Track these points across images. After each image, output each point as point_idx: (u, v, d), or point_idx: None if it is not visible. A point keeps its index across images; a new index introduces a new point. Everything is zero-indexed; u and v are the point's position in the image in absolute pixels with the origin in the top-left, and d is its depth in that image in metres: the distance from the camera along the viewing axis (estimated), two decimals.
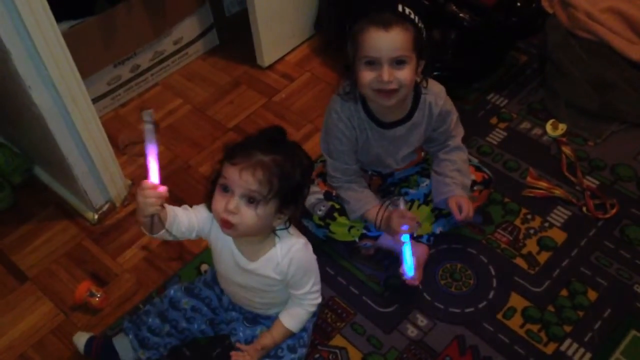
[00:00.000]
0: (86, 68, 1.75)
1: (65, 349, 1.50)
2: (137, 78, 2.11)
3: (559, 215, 1.67)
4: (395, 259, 1.50)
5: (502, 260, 1.58)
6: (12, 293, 1.62)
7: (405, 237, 1.38)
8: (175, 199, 1.74)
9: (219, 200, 1.14)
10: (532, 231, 1.63)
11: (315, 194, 1.55)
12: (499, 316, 1.48)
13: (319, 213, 1.54)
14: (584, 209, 1.67)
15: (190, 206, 1.26)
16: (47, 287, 1.63)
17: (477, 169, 1.61)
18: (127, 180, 1.81)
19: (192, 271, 1.60)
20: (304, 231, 1.54)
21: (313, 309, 1.34)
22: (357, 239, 1.54)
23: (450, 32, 1.91)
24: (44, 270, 1.66)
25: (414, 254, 1.45)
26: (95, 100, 1.94)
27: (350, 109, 1.44)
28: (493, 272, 1.56)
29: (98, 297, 1.54)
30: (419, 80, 1.41)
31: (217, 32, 2.28)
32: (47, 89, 1.46)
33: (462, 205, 1.46)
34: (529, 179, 1.75)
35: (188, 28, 2.16)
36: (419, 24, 1.31)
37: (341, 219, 1.53)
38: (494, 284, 1.54)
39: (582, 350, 1.40)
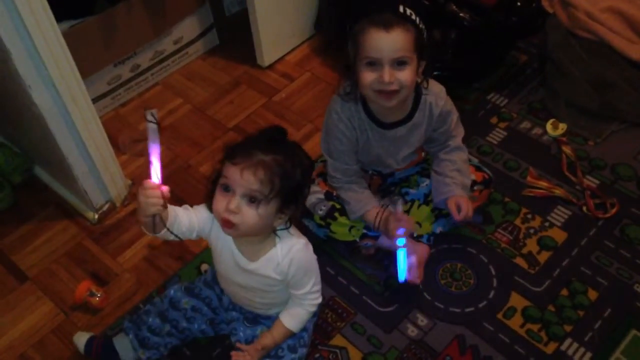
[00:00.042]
0: (86, 68, 1.75)
1: (65, 349, 1.50)
2: (137, 78, 2.11)
3: (559, 214, 1.67)
4: (396, 259, 1.50)
5: (503, 259, 1.58)
6: (12, 293, 1.62)
7: (401, 242, 1.38)
8: (176, 198, 1.74)
9: (220, 200, 1.14)
10: (532, 231, 1.63)
11: (316, 194, 1.55)
12: (499, 316, 1.48)
13: (320, 213, 1.54)
14: (584, 208, 1.67)
15: (191, 206, 1.26)
16: (47, 287, 1.63)
17: (477, 168, 1.62)
18: (127, 180, 1.81)
19: (193, 271, 1.60)
20: (305, 231, 1.54)
21: (313, 309, 1.34)
22: (357, 239, 1.54)
23: (450, 32, 1.91)
24: (44, 270, 1.66)
25: (414, 252, 1.45)
26: (95, 100, 1.94)
27: (350, 109, 1.44)
28: (493, 272, 1.56)
29: (98, 297, 1.54)
30: (419, 80, 1.41)
31: (217, 31, 2.28)
32: (47, 88, 1.46)
33: (461, 205, 1.46)
34: (529, 178, 1.75)
35: (188, 28, 2.16)
36: (420, 25, 1.31)
37: (342, 219, 1.53)
38: (494, 284, 1.54)
39: (582, 349, 1.40)
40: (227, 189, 1.13)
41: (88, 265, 1.67)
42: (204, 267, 1.59)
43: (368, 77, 1.32)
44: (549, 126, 1.88)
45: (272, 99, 2.09)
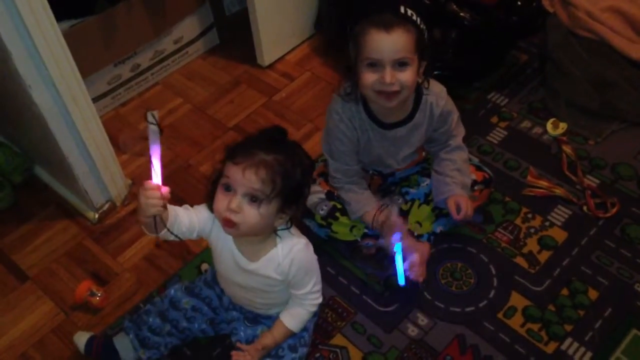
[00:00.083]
0: (86, 67, 1.75)
1: (65, 349, 1.50)
2: (137, 77, 2.10)
3: (560, 214, 1.67)
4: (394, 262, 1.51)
5: (503, 259, 1.58)
6: (13, 292, 1.62)
7: (397, 247, 1.38)
8: (176, 198, 1.74)
9: (221, 200, 1.14)
10: (532, 230, 1.63)
11: (317, 194, 1.56)
12: (500, 315, 1.48)
13: (321, 213, 1.54)
14: (585, 208, 1.67)
15: (191, 206, 1.26)
16: (47, 287, 1.63)
17: (478, 168, 1.62)
18: (127, 179, 1.81)
19: (193, 270, 1.60)
20: (306, 231, 1.55)
21: (314, 309, 1.34)
22: (359, 239, 1.54)
23: (450, 31, 1.91)
24: (44, 270, 1.66)
25: (416, 251, 1.45)
26: (95, 100, 1.94)
27: (351, 109, 1.44)
28: (493, 271, 1.56)
29: (98, 297, 1.54)
30: (420, 81, 1.41)
31: (217, 31, 2.27)
32: (48, 88, 1.46)
33: (461, 205, 1.47)
34: (529, 178, 1.75)
35: (188, 27, 2.16)
36: (421, 25, 1.31)
37: (343, 219, 1.53)
38: (495, 283, 1.54)
39: (582, 349, 1.40)
40: (228, 188, 1.13)
41: (88, 264, 1.67)
42: (205, 266, 1.60)
43: (369, 78, 1.32)
44: (549, 126, 1.88)
45: (272, 99, 2.09)
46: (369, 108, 1.44)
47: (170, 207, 1.18)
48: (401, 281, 1.46)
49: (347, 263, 1.60)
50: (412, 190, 1.60)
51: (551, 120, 1.89)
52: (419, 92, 1.45)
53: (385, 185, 1.66)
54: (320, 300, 1.34)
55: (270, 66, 2.20)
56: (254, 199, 1.12)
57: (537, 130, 1.89)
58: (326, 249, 1.60)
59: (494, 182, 1.64)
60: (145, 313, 1.41)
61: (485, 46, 1.96)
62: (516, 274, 1.55)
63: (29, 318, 1.57)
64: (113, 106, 2.09)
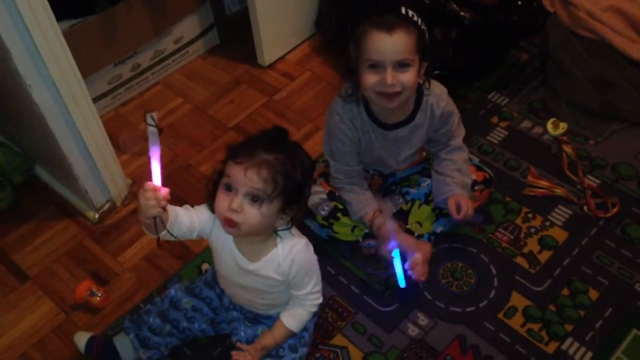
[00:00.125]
0: (87, 67, 1.75)
1: (66, 348, 1.50)
2: (137, 77, 2.10)
3: (560, 214, 1.67)
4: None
5: (503, 259, 1.58)
6: (13, 292, 1.62)
7: (395, 252, 1.39)
8: (176, 198, 1.74)
9: (223, 199, 1.14)
10: (533, 230, 1.63)
11: (318, 194, 1.56)
12: (500, 315, 1.48)
13: (322, 213, 1.54)
14: (585, 208, 1.67)
15: (192, 206, 1.26)
16: (47, 287, 1.63)
17: (478, 168, 1.62)
18: (127, 179, 1.81)
19: (193, 270, 1.60)
20: (307, 231, 1.55)
21: (314, 309, 1.34)
22: (360, 239, 1.54)
23: (451, 31, 1.91)
24: (44, 270, 1.66)
25: (418, 251, 1.46)
26: (95, 100, 1.94)
27: (352, 110, 1.44)
28: (494, 271, 1.56)
29: (99, 297, 1.54)
30: (421, 81, 1.41)
31: (217, 31, 2.27)
32: (48, 88, 1.46)
33: (461, 205, 1.47)
34: (529, 178, 1.75)
35: (188, 27, 2.16)
36: (422, 26, 1.31)
37: (344, 219, 1.53)
38: (495, 283, 1.54)
39: (583, 349, 1.40)
40: (229, 188, 1.13)
41: (88, 264, 1.66)
42: (205, 266, 1.59)
43: (370, 79, 1.32)
44: (549, 125, 1.88)
45: (273, 98, 2.09)
46: (370, 109, 1.44)
47: (170, 207, 1.18)
48: (402, 284, 1.46)
49: (348, 263, 1.60)
50: (412, 190, 1.60)
51: (552, 120, 1.89)
52: (420, 92, 1.45)
53: (386, 185, 1.66)
54: (320, 300, 1.34)
55: (271, 66, 2.20)
56: (255, 198, 1.12)
57: (538, 130, 1.89)
58: (326, 249, 1.60)
59: (495, 182, 1.64)
60: (145, 313, 1.41)
61: (485, 46, 1.96)
62: (517, 274, 1.55)
63: (29, 318, 1.57)
64: (113, 106, 2.09)
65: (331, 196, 1.55)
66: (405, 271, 1.45)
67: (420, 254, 1.46)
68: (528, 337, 1.43)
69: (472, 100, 2.00)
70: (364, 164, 1.56)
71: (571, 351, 1.40)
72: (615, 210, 1.65)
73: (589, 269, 1.54)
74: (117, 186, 1.75)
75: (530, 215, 1.67)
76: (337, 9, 2.10)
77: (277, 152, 1.12)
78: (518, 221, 1.65)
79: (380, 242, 1.45)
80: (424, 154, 1.63)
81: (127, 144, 1.93)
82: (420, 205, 1.57)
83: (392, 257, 1.41)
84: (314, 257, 1.29)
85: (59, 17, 1.42)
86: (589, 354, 1.39)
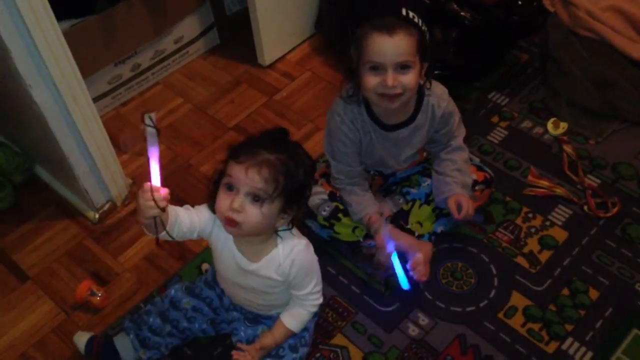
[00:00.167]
0: (87, 67, 1.75)
1: (66, 348, 1.50)
2: (137, 77, 2.10)
3: (560, 214, 1.67)
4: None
5: (503, 259, 1.58)
6: (13, 292, 1.62)
7: (394, 256, 1.40)
8: (176, 198, 1.74)
9: (224, 199, 1.14)
10: (533, 230, 1.63)
11: (319, 195, 1.56)
12: (500, 315, 1.47)
13: (323, 214, 1.54)
14: (585, 207, 1.67)
15: (192, 206, 1.26)
16: (48, 287, 1.63)
17: (479, 168, 1.61)
18: (127, 179, 1.81)
19: (193, 270, 1.60)
20: (307, 231, 1.55)
21: (314, 309, 1.34)
22: (361, 239, 1.54)
23: (451, 31, 1.91)
24: (44, 270, 1.66)
25: (419, 251, 1.46)
26: (96, 100, 1.94)
27: (353, 111, 1.44)
28: (494, 271, 1.56)
29: (99, 297, 1.54)
30: (422, 82, 1.41)
31: (217, 31, 2.27)
32: (48, 87, 1.46)
33: (462, 204, 1.47)
34: (530, 177, 1.75)
35: (189, 27, 2.16)
36: (423, 27, 1.31)
37: (345, 220, 1.53)
38: (495, 283, 1.54)
39: (583, 349, 1.40)
40: (230, 187, 1.13)
41: (89, 264, 1.66)
42: (205, 266, 1.59)
43: (371, 81, 1.32)
44: (550, 125, 1.88)
45: (273, 98, 2.09)
46: (371, 110, 1.44)
47: (171, 207, 1.18)
48: (404, 285, 1.46)
49: (348, 263, 1.60)
50: (413, 190, 1.60)
51: (552, 119, 1.89)
52: (420, 93, 1.45)
53: (387, 185, 1.66)
54: (320, 300, 1.34)
55: (271, 66, 2.20)
56: (256, 198, 1.12)
57: (538, 129, 1.89)
58: (326, 249, 1.60)
59: (495, 182, 1.64)
60: (145, 313, 1.41)
61: (485, 46, 1.96)
62: (517, 274, 1.55)
63: (30, 318, 1.57)
64: (113, 106, 2.09)
65: (332, 197, 1.56)
66: (406, 272, 1.45)
67: (421, 254, 1.46)
68: (528, 337, 1.43)
69: (473, 100, 2.00)
70: (365, 165, 1.56)
71: (571, 351, 1.40)
72: (615, 210, 1.65)
73: (589, 269, 1.54)
74: (117, 186, 1.75)
75: (530, 215, 1.66)
76: (337, 8, 2.10)
77: (278, 151, 1.12)
78: (518, 221, 1.65)
79: (377, 249, 1.45)
80: (425, 154, 1.63)
81: (127, 143, 1.93)
82: (420, 205, 1.57)
83: (392, 262, 1.41)
84: (315, 258, 1.28)
85: (59, 17, 1.42)
86: (589, 354, 1.39)
